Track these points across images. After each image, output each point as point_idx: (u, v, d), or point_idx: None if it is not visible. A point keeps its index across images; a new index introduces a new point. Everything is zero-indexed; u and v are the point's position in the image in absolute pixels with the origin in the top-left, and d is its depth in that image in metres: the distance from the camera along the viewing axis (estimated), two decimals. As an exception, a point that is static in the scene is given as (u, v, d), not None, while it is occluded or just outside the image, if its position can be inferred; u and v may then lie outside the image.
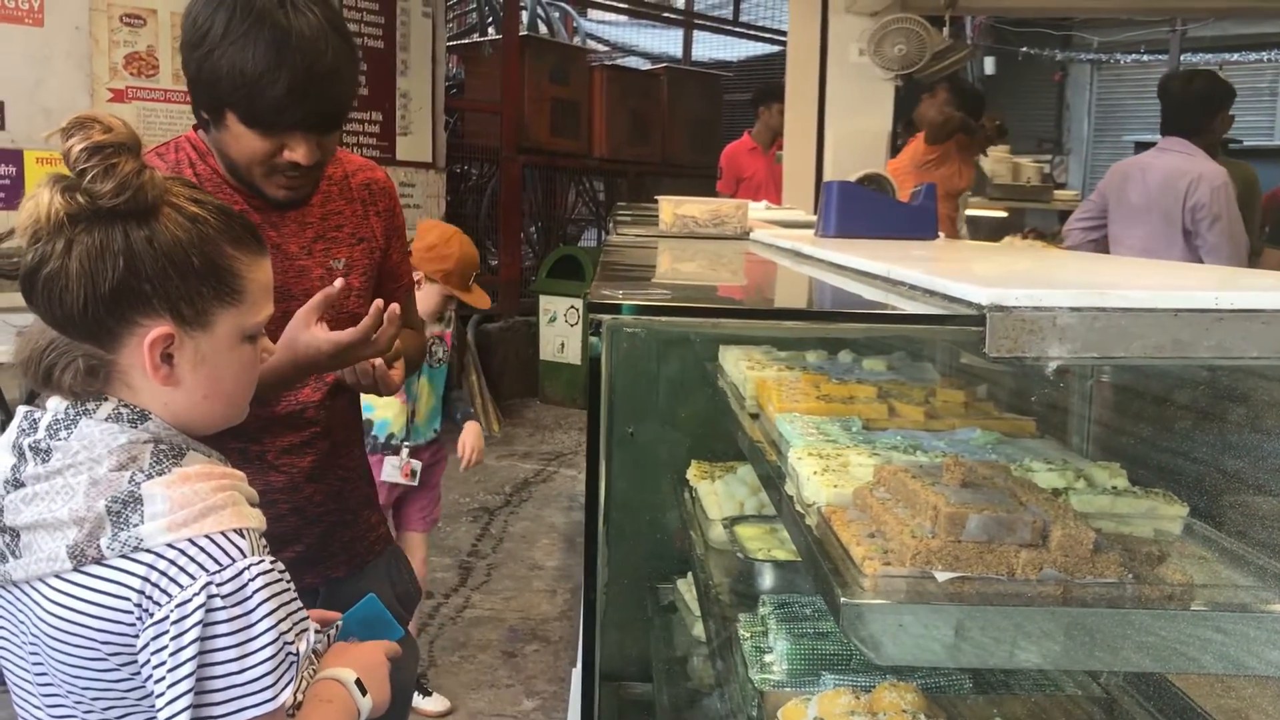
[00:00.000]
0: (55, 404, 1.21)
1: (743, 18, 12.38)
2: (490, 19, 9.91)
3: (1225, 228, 4.09)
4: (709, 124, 10.22)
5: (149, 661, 1.11)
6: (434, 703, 3.60)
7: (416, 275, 3.21)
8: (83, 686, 1.16)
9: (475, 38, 9.74)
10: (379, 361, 1.74)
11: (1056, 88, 13.02)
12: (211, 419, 1.27)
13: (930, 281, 1.31)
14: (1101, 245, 4.57)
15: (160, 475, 1.15)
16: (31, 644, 1.18)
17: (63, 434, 1.17)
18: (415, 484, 3.39)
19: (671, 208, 2.86)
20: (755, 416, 1.87)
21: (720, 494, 2.27)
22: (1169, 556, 1.24)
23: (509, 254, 8.50)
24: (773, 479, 1.56)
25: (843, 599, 1.11)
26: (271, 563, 1.17)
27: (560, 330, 8.09)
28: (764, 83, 8.32)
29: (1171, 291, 1.10)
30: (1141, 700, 1.69)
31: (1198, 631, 1.11)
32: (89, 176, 1.13)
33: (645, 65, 11.62)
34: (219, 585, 1.11)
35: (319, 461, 1.85)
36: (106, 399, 1.19)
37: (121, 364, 1.19)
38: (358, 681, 1.28)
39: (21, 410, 1.23)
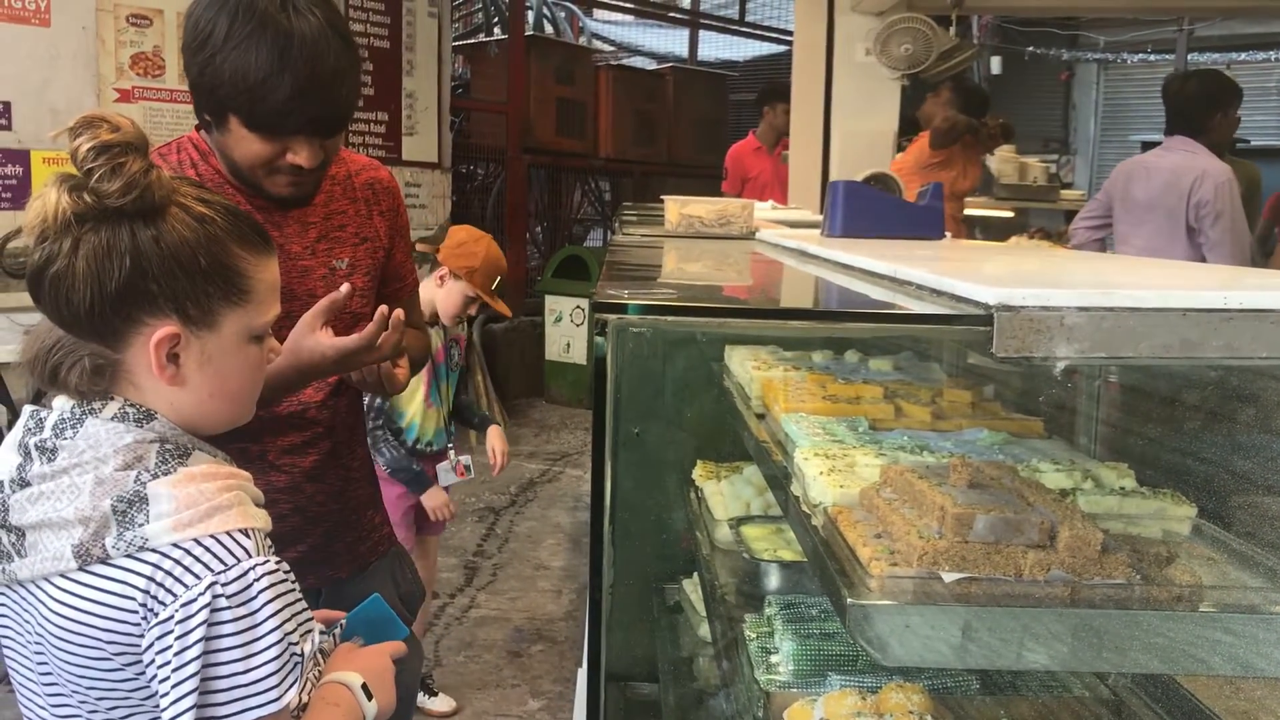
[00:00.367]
0: (61, 403, 1.21)
1: (749, 17, 12.36)
2: (496, 19, 9.92)
3: (1228, 225, 4.07)
4: (715, 124, 10.21)
5: (154, 661, 1.11)
6: (439, 703, 3.60)
7: (442, 271, 3.28)
8: (87, 686, 1.16)
9: (481, 38, 9.75)
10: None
11: (1063, 87, 12.99)
12: (218, 419, 1.27)
13: (937, 281, 1.30)
14: (1106, 244, 4.56)
15: (166, 475, 1.15)
16: (36, 643, 1.18)
17: (69, 433, 1.17)
18: (471, 476, 3.50)
19: (677, 207, 2.86)
20: (761, 416, 1.87)
21: (726, 494, 2.27)
22: (1177, 558, 1.23)
23: (514, 254, 8.49)
24: (779, 479, 1.55)
25: (849, 600, 1.10)
26: (277, 563, 1.17)
27: (566, 330, 8.09)
28: (769, 82, 8.31)
29: (1180, 291, 1.09)
30: (1149, 702, 1.68)
31: (1206, 633, 1.10)
32: (96, 176, 1.13)
33: (651, 65, 11.62)
34: (224, 585, 1.11)
35: (321, 461, 1.85)
36: (113, 398, 1.19)
37: (128, 363, 1.19)
38: (364, 686, 1.28)
39: (28, 409, 1.23)
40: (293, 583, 1.19)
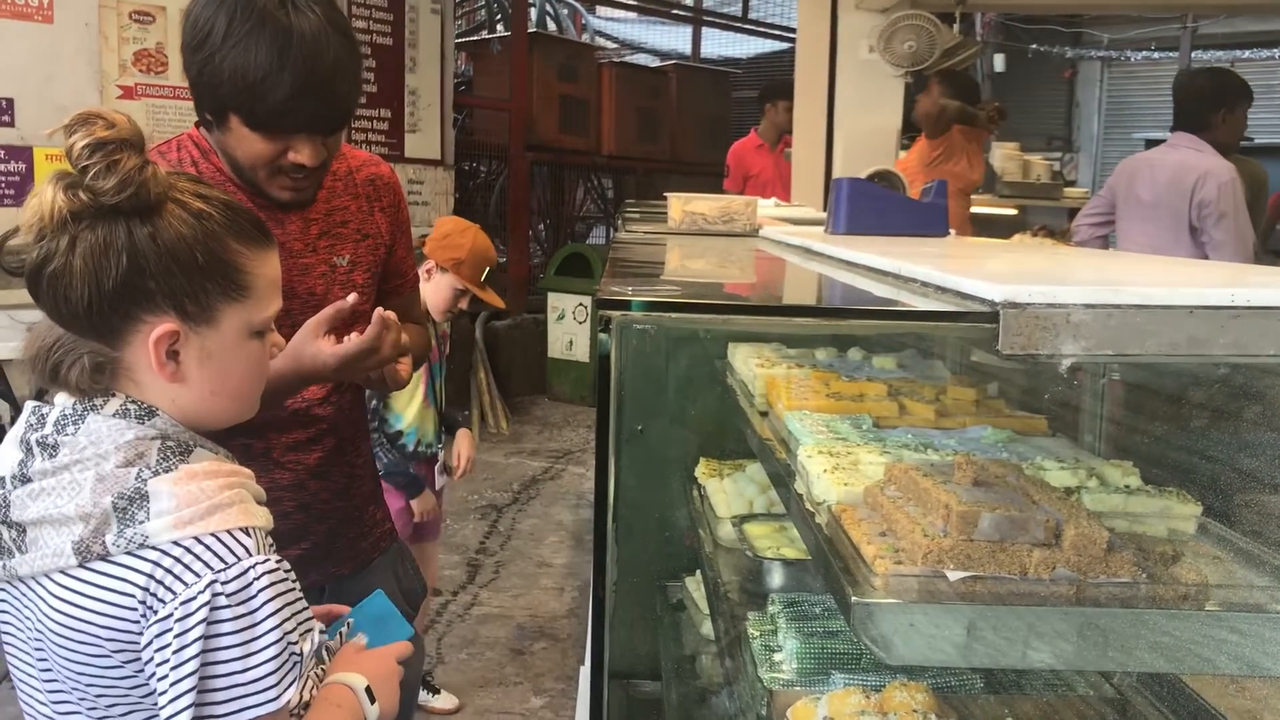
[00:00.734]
0: (63, 399, 1.21)
1: (752, 15, 12.34)
2: (499, 16, 9.90)
3: (1232, 225, 4.05)
4: (718, 121, 10.20)
5: (152, 659, 1.10)
6: (442, 700, 3.59)
7: (428, 265, 3.18)
8: (86, 683, 1.16)
9: (484, 35, 9.73)
10: None
11: (1067, 85, 12.96)
12: (220, 415, 1.26)
13: (942, 278, 1.30)
14: (1108, 242, 4.54)
15: (167, 472, 1.14)
16: (36, 640, 1.18)
17: (70, 429, 1.17)
18: (453, 478, 3.41)
19: (680, 205, 2.86)
20: (765, 414, 1.86)
21: (729, 492, 2.26)
22: (1183, 556, 1.23)
23: (517, 251, 8.50)
24: (782, 477, 1.55)
25: (854, 598, 1.10)
26: (277, 562, 1.16)
27: (569, 328, 8.09)
28: (771, 80, 8.30)
29: (1187, 288, 1.09)
30: (1154, 701, 1.68)
31: (1212, 632, 1.10)
32: (91, 173, 1.13)
33: (654, 62, 11.60)
34: (224, 584, 1.10)
35: (325, 458, 1.85)
36: (114, 395, 1.19)
37: (127, 361, 1.19)
38: (368, 689, 1.27)
39: (30, 405, 1.23)
40: (293, 582, 1.19)
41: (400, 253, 1.96)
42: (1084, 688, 1.75)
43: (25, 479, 1.17)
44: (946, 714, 1.57)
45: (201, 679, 1.09)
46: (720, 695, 2.04)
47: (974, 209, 5.93)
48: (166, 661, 1.09)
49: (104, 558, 1.11)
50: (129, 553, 1.11)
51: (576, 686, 3.55)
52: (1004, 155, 6.47)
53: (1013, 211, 6.66)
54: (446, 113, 7.08)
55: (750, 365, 2.01)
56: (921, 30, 4.92)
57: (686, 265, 2.15)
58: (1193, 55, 11.23)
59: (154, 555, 1.10)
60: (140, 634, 1.11)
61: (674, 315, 1.34)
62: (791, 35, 9.34)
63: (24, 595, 1.18)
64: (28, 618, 1.18)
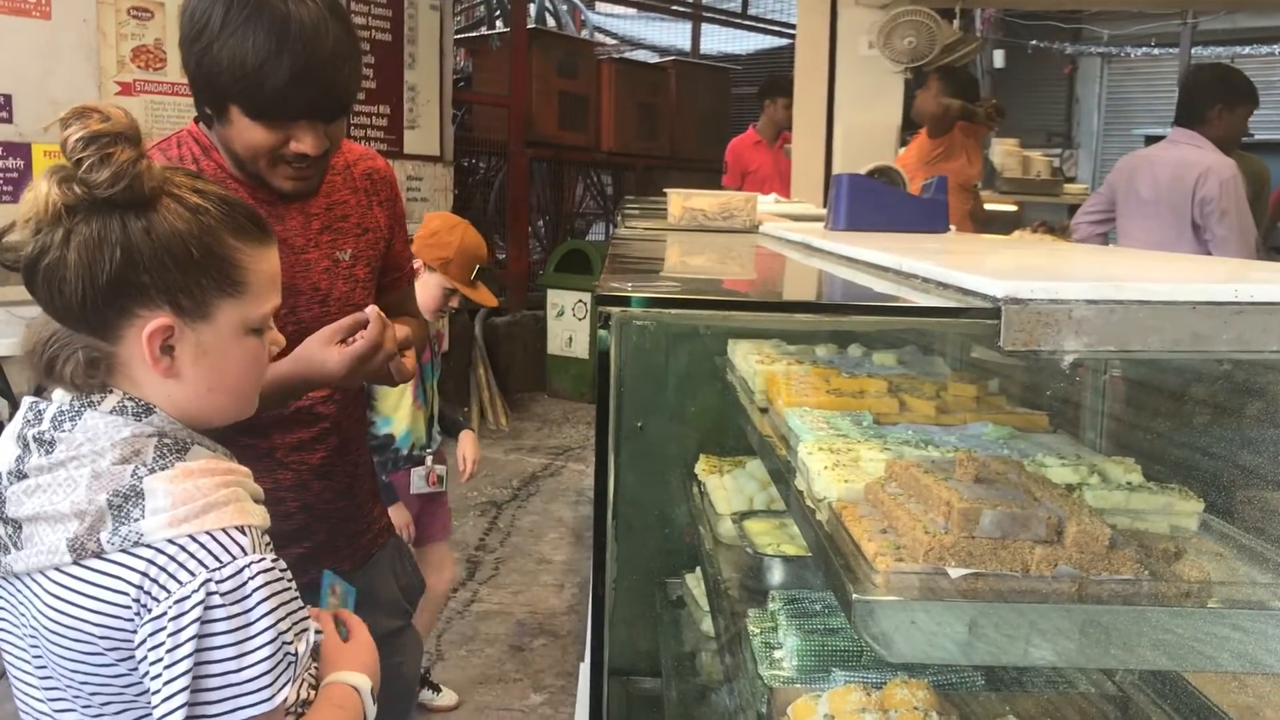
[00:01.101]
0: (60, 396, 1.20)
1: (751, 11, 12.34)
2: (498, 12, 9.89)
3: (1234, 221, 4.03)
4: (717, 117, 10.19)
5: (146, 658, 1.10)
6: (441, 697, 3.59)
7: (416, 264, 3.04)
8: (81, 681, 1.15)
9: (483, 31, 9.72)
10: None
11: (1066, 81, 12.95)
12: (218, 412, 1.26)
13: (944, 274, 1.29)
14: (1108, 239, 4.53)
15: (163, 470, 1.14)
16: (31, 637, 1.18)
17: (67, 426, 1.16)
18: (443, 489, 3.24)
19: (680, 201, 2.85)
20: (765, 411, 1.86)
21: (729, 489, 2.26)
22: (1185, 553, 1.22)
23: (516, 248, 8.49)
24: (782, 474, 1.54)
25: (854, 595, 1.09)
26: (273, 561, 1.16)
27: (568, 324, 8.09)
28: (769, 76, 8.29)
29: (1190, 284, 1.08)
30: (1156, 698, 1.67)
31: (1214, 629, 1.09)
32: (85, 166, 1.12)
33: (653, 58, 11.59)
34: (218, 583, 1.09)
35: (329, 458, 1.84)
36: (112, 391, 1.18)
37: (122, 356, 1.18)
38: (371, 690, 1.28)
39: (27, 401, 1.23)
40: (289, 581, 1.18)
41: (398, 246, 1.96)
42: (1085, 685, 1.75)
43: (21, 475, 1.16)
44: (948, 711, 1.56)
45: (195, 678, 1.08)
46: (720, 692, 2.04)
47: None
48: (160, 660, 1.08)
49: (99, 555, 1.11)
50: (124, 550, 1.10)
51: (576, 683, 3.55)
52: (1004, 151, 6.46)
53: (1012, 208, 6.66)
54: (446, 109, 7.06)
55: (750, 361, 2.00)
56: (921, 26, 4.92)
57: (686, 261, 2.14)
58: (1193, 51, 11.22)
59: (149, 553, 1.10)
60: (134, 632, 1.10)
61: (674, 311, 1.33)
62: (791, 31, 9.33)
63: (19, 592, 1.17)
64: (23, 615, 1.18)
